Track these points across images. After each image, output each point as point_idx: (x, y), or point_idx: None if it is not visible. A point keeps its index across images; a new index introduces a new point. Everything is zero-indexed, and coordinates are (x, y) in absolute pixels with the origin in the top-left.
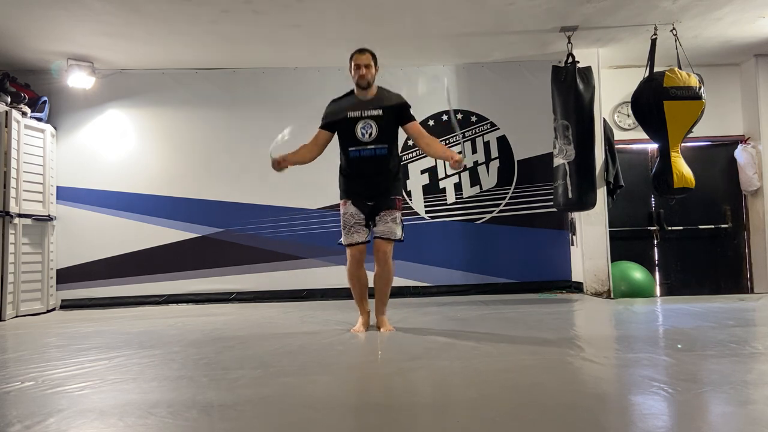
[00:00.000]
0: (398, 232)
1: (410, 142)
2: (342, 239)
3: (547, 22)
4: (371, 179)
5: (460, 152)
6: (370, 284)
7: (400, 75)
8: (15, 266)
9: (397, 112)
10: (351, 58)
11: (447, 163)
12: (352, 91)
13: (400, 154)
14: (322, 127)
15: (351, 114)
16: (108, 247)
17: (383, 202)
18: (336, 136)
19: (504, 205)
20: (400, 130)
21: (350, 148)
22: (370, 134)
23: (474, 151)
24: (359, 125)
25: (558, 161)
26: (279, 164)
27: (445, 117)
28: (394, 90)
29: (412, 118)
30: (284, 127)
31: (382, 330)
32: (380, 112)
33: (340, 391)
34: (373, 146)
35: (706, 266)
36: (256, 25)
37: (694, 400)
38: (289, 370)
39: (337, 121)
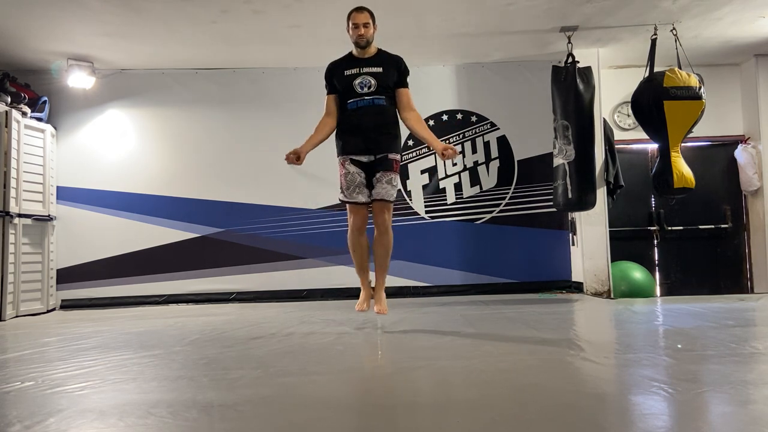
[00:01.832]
0: (394, 194)
1: (410, 142)
2: (343, 196)
3: (547, 22)
4: (370, 130)
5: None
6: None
7: None
8: (15, 266)
9: (396, 72)
10: (348, 18)
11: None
12: (350, 53)
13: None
14: (328, 92)
15: (348, 71)
16: (108, 247)
17: (381, 162)
18: None
19: (504, 205)
20: None
21: (348, 101)
22: (369, 87)
23: (474, 151)
24: (357, 80)
25: (558, 161)
26: (298, 157)
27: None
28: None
29: (405, 85)
30: (284, 127)
31: (376, 310)
32: (380, 69)
33: (340, 391)
34: (370, 97)
35: (706, 266)
36: (256, 25)
37: (694, 400)
38: (289, 370)
39: (337, 81)
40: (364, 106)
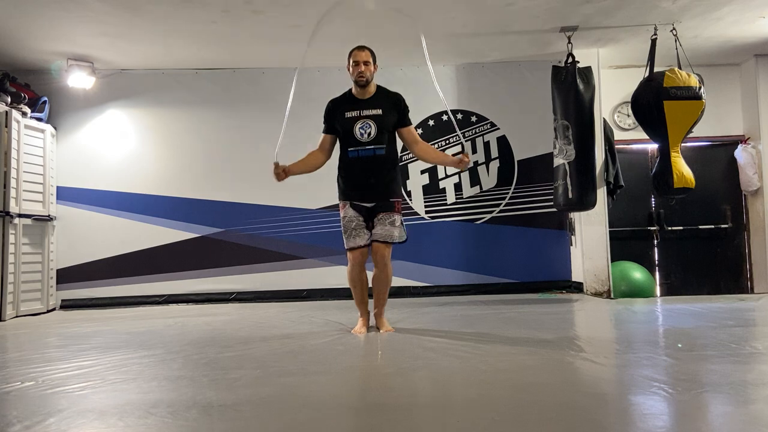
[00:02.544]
0: (396, 234)
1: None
2: (344, 242)
3: (547, 22)
4: (369, 180)
5: (461, 152)
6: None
7: (400, 75)
8: (15, 266)
9: (396, 113)
10: (349, 55)
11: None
12: (350, 91)
13: (400, 154)
14: (325, 132)
15: (349, 114)
16: (108, 247)
17: (382, 205)
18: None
19: (504, 205)
20: None
21: (349, 149)
22: (369, 134)
23: (474, 151)
24: (358, 125)
25: (558, 161)
26: (280, 174)
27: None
28: (392, 89)
29: (408, 123)
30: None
31: (382, 331)
32: (379, 111)
33: (340, 391)
34: (372, 146)
35: (706, 266)
36: (256, 25)
37: (694, 400)
38: (289, 370)
39: (337, 122)
40: (365, 156)
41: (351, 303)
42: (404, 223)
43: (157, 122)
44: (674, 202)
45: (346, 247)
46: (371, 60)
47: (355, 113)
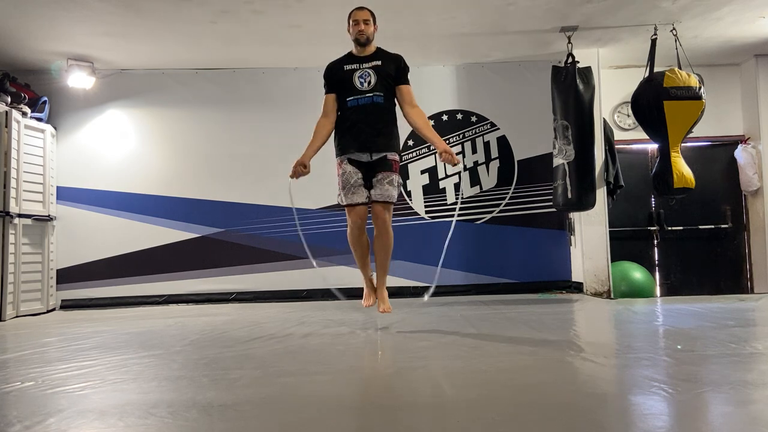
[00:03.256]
0: (395, 195)
1: (410, 142)
2: (341, 199)
3: (547, 22)
4: (369, 129)
5: (456, 145)
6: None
7: None
8: (15, 266)
9: (395, 68)
10: (349, 17)
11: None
12: (349, 52)
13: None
14: (327, 92)
15: (348, 66)
16: (108, 247)
17: (380, 163)
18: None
19: (504, 205)
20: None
21: (348, 98)
22: (369, 82)
23: (474, 151)
24: (357, 74)
25: (558, 161)
26: (304, 167)
27: None
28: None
29: (406, 81)
30: (284, 127)
31: (380, 309)
32: (379, 62)
33: (340, 391)
34: (371, 94)
35: (706, 266)
36: (256, 25)
37: (694, 400)
38: (289, 370)
39: (337, 78)
40: (365, 104)
41: (351, 303)
42: (401, 183)
43: (157, 122)
44: (674, 202)
45: (344, 204)
46: (371, 19)
47: (354, 65)
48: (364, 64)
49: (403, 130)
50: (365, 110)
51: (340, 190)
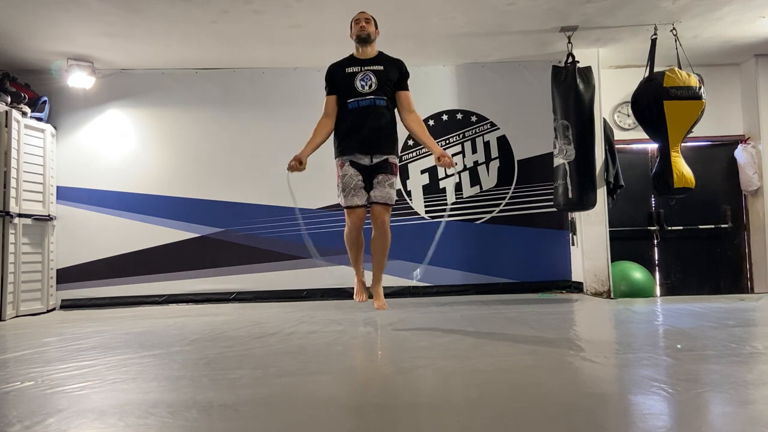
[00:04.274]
0: (394, 196)
1: (410, 142)
2: (340, 200)
3: (547, 22)
4: (370, 132)
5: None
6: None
7: None
8: (15, 266)
9: (397, 72)
10: (351, 21)
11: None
12: (351, 54)
13: (400, 154)
14: (328, 93)
15: (350, 69)
16: (108, 247)
17: (381, 165)
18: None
19: (504, 205)
20: None
21: (349, 100)
22: (370, 85)
23: (474, 151)
24: (358, 77)
25: (558, 161)
26: (300, 163)
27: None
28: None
29: (406, 87)
30: (284, 127)
31: (376, 306)
32: (381, 66)
33: (340, 391)
34: (372, 96)
35: (706, 266)
36: (256, 25)
37: (694, 400)
38: (289, 370)
39: (338, 79)
40: (365, 106)
41: (351, 303)
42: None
43: (157, 122)
44: (674, 202)
45: (344, 206)
46: (372, 20)
47: (356, 68)
48: (365, 67)
49: (404, 131)
50: (366, 112)
51: (340, 192)
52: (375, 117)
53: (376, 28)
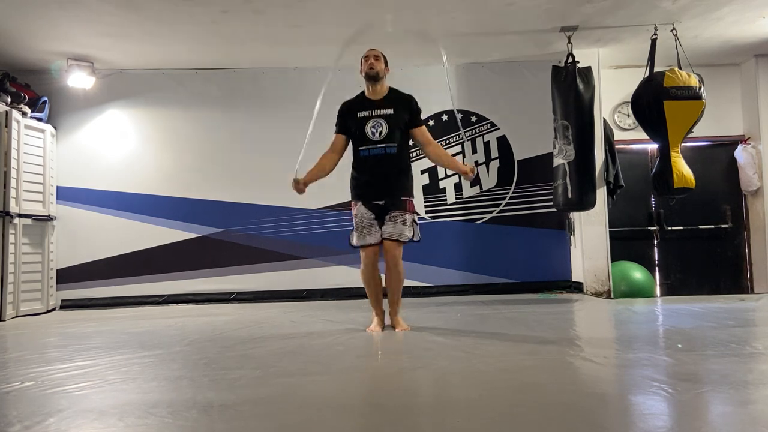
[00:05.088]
0: (408, 234)
1: (410, 142)
2: (354, 240)
3: (547, 22)
4: (381, 179)
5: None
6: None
7: (400, 75)
8: (15, 266)
9: (407, 113)
10: (361, 58)
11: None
12: (362, 93)
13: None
14: (337, 132)
15: (361, 114)
16: (108, 247)
17: (393, 203)
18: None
19: (504, 205)
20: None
21: (360, 148)
22: (380, 133)
23: (474, 151)
24: (369, 124)
25: (558, 161)
26: (300, 187)
27: (456, 115)
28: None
29: (421, 123)
30: (284, 127)
31: (397, 330)
32: (391, 111)
33: (340, 391)
34: (383, 145)
35: (706, 266)
36: (256, 25)
37: (694, 400)
38: (289, 370)
39: (349, 122)
40: (376, 154)
41: (351, 303)
42: (418, 222)
43: (157, 122)
44: (674, 202)
45: (357, 245)
46: (381, 56)
47: (367, 113)
48: (375, 112)
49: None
50: (378, 160)
51: (354, 231)
52: (386, 164)
53: (386, 65)
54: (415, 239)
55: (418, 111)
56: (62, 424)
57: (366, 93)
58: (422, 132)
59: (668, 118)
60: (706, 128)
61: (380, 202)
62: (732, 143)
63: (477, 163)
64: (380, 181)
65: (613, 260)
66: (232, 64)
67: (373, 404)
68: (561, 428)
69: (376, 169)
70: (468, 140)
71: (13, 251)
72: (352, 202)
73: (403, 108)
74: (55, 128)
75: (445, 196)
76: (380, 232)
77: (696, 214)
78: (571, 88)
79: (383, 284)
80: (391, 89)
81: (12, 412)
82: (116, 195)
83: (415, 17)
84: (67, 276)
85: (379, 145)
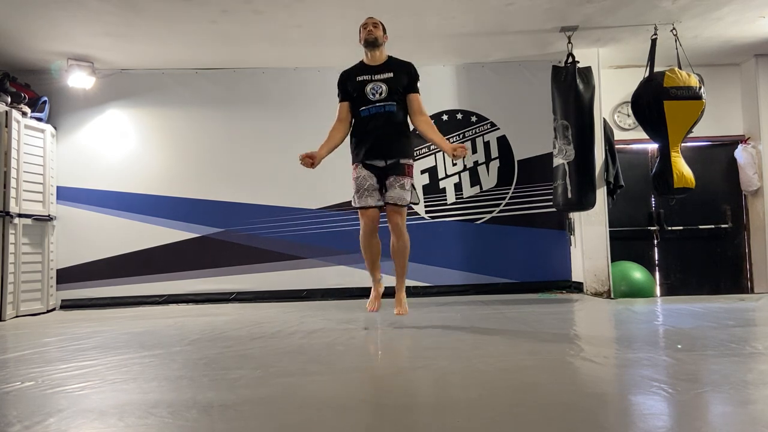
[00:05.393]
0: (407, 198)
1: None
2: (354, 202)
3: (547, 22)
4: (381, 136)
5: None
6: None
7: None
8: (15, 266)
9: (407, 77)
10: (360, 27)
11: (447, 156)
12: (361, 61)
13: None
14: (341, 100)
15: (360, 77)
16: (108, 247)
17: (393, 167)
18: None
19: (504, 205)
20: None
21: (361, 108)
22: (380, 93)
23: (474, 151)
24: (369, 86)
25: (558, 161)
26: (312, 161)
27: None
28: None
29: (417, 90)
30: (285, 127)
31: (396, 312)
32: (390, 74)
33: (340, 391)
34: (382, 103)
35: (706, 266)
36: (256, 25)
37: (694, 400)
38: (289, 370)
39: (350, 88)
40: (376, 113)
41: (351, 303)
42: (414, 188)
43: (157, 122)
44: (674, 202)
45: (356, 206)
46: (380, 24)
47: (366, 77)
48: (375, 76)
49: None
50: (377, 119)
51: (354, 194)
52: (386, 122)
53: (385, 32)
54: (414, 201)
55: (417, 77)
56: (62, 424)
57: (365, 60)
58: (417, 99)
59: (668, 118)
60: (706, 128)
61: (380, 164)
62: (732, 143)
63: (477, 163)
64: (380, 140)
65: (613, 260)
66: (232, 64)
67: (373, 404)
68: (561, 428)
69: (377, 129)
70: (468, 140)
71: (13, 251)
72: (353, 165)
73: (402, 72)
74: (55, 128)
75: (445, 196)
76: (380, 197)
77: (696, 214)
78: (571, 88)
79: (391, 257)
80: (390, 57)
81: (12, 412)
82: (116, 195)
83: (415, 17)
84: (67, 276)
85: (378, 104)
